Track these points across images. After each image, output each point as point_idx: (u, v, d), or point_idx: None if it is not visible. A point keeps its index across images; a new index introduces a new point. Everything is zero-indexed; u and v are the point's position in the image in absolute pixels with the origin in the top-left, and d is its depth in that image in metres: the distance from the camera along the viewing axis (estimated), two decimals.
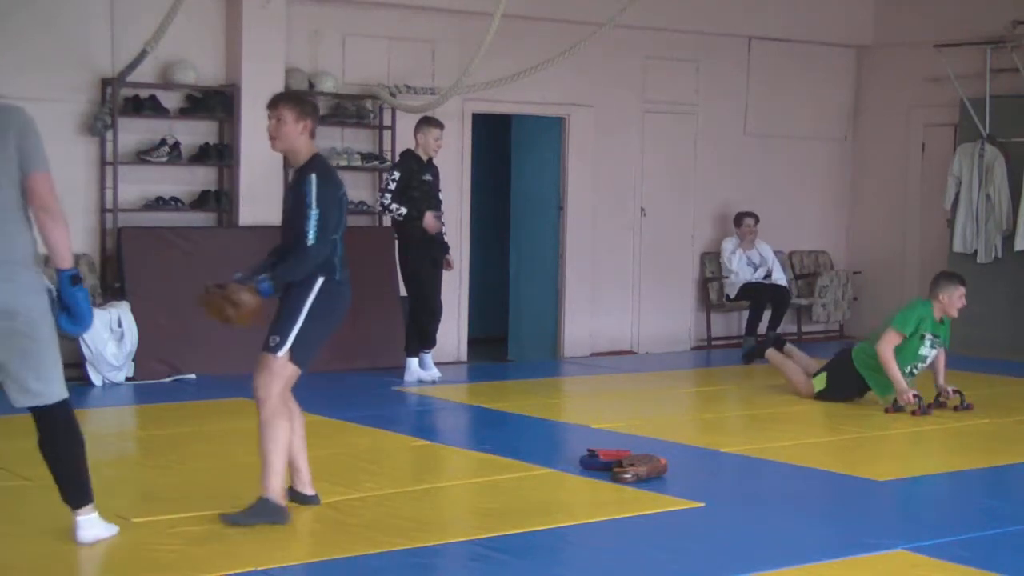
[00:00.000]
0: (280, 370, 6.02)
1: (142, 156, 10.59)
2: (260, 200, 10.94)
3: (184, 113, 10.83)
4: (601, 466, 7.21)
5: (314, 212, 5.98)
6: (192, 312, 10.36)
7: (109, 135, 10.39)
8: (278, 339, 6.02)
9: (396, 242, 10.72)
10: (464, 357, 12.27)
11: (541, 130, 12.88)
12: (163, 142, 10.63)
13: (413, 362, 10.61)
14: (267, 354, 6.04)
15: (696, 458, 7.89)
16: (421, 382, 10.54)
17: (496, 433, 8.73)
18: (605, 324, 13.11)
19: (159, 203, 10.69)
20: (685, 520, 6.36)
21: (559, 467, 7.40)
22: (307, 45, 11.39)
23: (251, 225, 10.88)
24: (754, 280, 13.25)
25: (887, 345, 9.36)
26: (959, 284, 9.49)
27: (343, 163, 11.12)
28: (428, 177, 10.45)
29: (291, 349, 6.01)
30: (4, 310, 5.22)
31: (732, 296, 13.37)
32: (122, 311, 10.13)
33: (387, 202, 10.28)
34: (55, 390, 5.40)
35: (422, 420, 9.42)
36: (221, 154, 10.91)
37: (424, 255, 10.45)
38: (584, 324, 12.93)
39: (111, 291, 10.41)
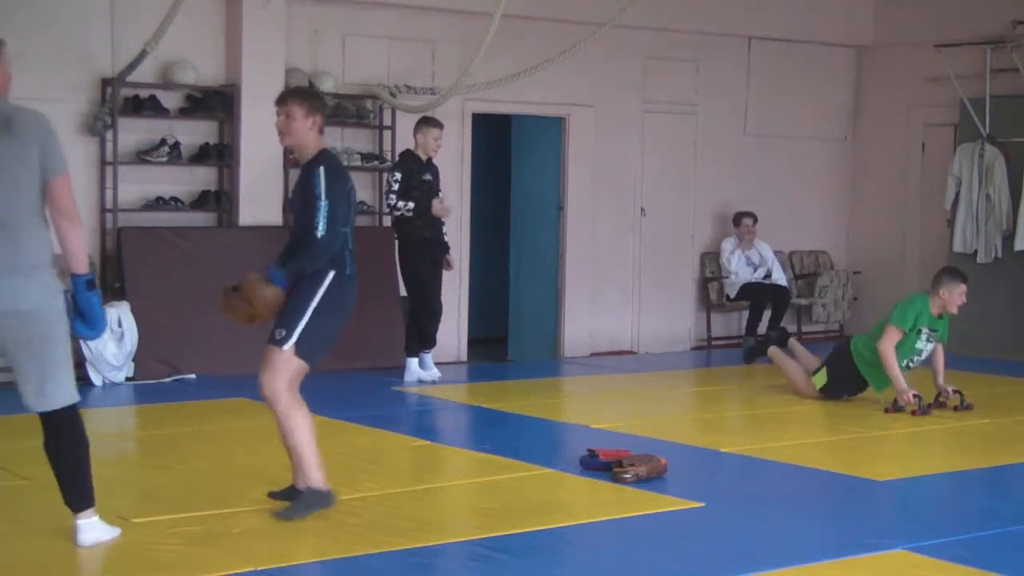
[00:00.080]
0: (284, 364, 6.00)
1: (142, 156, 10.59)
2: (260, 200, 10.94)
3: (184, 113, 10.83)
4: (601, 466, 7.21)
5: (323, 203, 5.97)
6: (192, 312, 10.50)
7: (109, 135, 10.40)
8: (284, 332, 6.00)
9: (396, 242, 10.72)
10: (464, 357, 12.27)
11: (541, 130, 12.88)
12: (163, 142, 10.64)
13: (413, 362, 10.61)
14: (272, 347, 6.02)
15: (696, 458, 7.89)
16: (421, 382, 10.54)
17: (496, 433, 8.72)
18: (605, 324, 13.11)
19: (159, 203, 10.69)
20: (685, 520, 6.36)
21: (559, 467, 7.40)
22: (307, 45, 11.39)
23: (251, 225, 10.88)
24: (754, 280, 13.26)
25: (889, 343, 9.35)
26: (961, 281, 9.48)
27: (343, 163, 11.11)
28: (428, 177, 10.45)
29: (297, 343, 5.99)
30: (25, 311, 5.25)
31: (732, 296, 13.38)
32: (122, 311, 10.13)
33: (393, 202, 10.28)
34: (68, 393, 5.42)
35: (422, 420, 9.42)
36: (221, 154, 10.91)
37: (424, 255, 10.45)
38: (584, 324, 12.93)
39: (111, 291, 10.40)
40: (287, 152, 11.02)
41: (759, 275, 13.30)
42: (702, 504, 6.63)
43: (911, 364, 9.56)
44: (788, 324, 13.62)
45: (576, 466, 7.33)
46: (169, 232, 10.64)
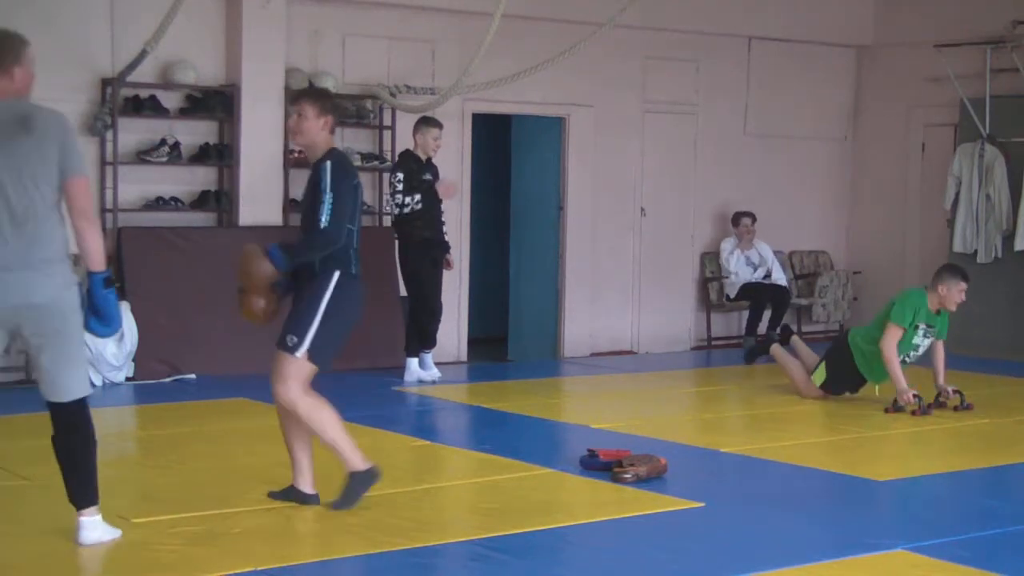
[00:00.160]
0: (297, 371, 6.07)
1: (142, 156, 10.59)
2: (260, 200, 10.94)
3: (184, 113, 10.83)
4: (601, 466, 7.21)
5: (328, 197, 6.04)
6: (192, 312, 10.51)
7: (109, 135, 10.39)
8: (296, 339, 6.05)
9: (396, 242, 10.73)
10: (464, 357, 12.27)
11: (541, 130, 12.88)
12: (163, 142, 10.64)
13: (413, 362, 10.61)
14: (284, 354, 6.06)
15: (696, 458, 7.89)
16: (421, 382, 10.55)
17: (496, 433, 8.72)
18: (605, 324, 13.11)
19: (159, 203, 10.69)
20: (685, 520, 6.36)
21: (559, 467, 7.40)
22: (307, 45, 11.39)
23: (251, 225, 10.88)
24: (754, 280, 13.26)
25: (890, 342, 9.35)
26: (960, 279, 9.47)
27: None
28: (428, 176, 10.45)
29: (309, 349, 6.04)
30: (39, 305, 5.31)
31: (732, 296, 13.38)
32: (122, 311, 10.11)
33: (400, 200, 10.27)
34: (81, 386, 5.47)
35: (422, 420, 9.42)
36: (221, 154, 10.91)
37: (424, 255, 10.45)
38: (584, 324, 12.93)
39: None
40: (287, 152, 11.04)
41: (759, 275, 13.30)
42: (702, 504, 6.63)
43: (907, 359, 9.56)
44: (788, 324, 13.62)
45: (576, 466, 7.33)
46: (169, 232, 10.64)
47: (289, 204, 11.02)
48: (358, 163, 11.39)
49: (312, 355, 6.06)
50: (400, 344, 10.80)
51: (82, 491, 5.51)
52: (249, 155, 10.90)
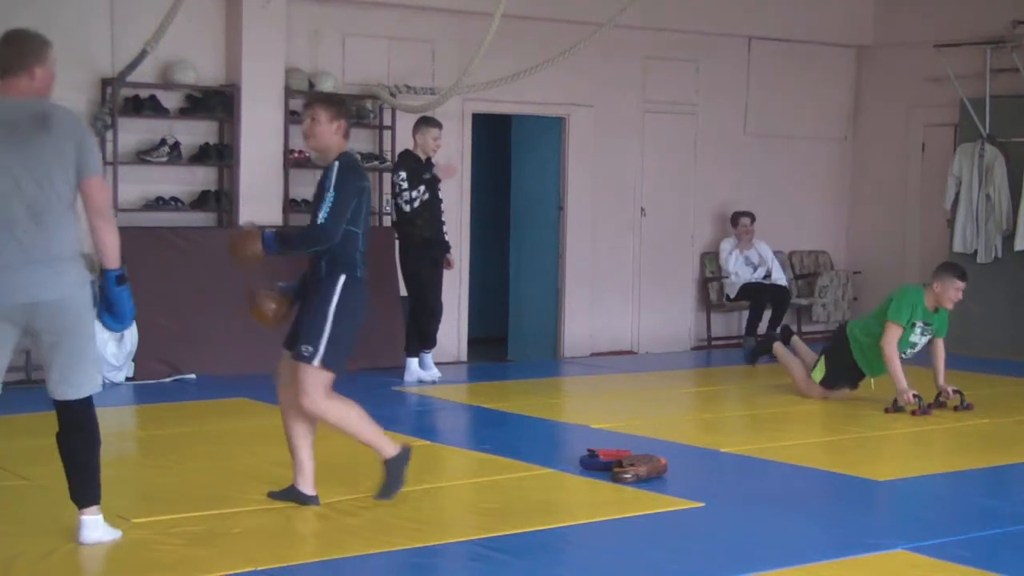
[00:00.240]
0: (317, 380, 6.15)
1: (142, 156, 10.59)
2: (260, 200, 10.93)
3: (184, 113, 10.83)
4: (601, 466, 7.21)
5: (330, 195, 6.09)
6: (192, 312, 10.50)
7: (109, 135, 10.38)
8: (310, 349, 6.12)
9: (396, 242, 10.73)
10: (464, 357, 12.27)
11: (541, 130, 12.89)
12: (163, 142, 10.64)
13: (413, 362, 10.61)
14: (303, 365, 6.14)
15: (696, 458, 7.89)
16: (421, 382, 10.55)
17: (496, 433, 8.72)
18: (605, 324, 13.11)
19: (159, 203, 10.69)
20: (685, 520, 6.36)
21: (559, 467, 7.40)
22: (307, 45, 11.39)
23: None
24: (754, 280, 13.26)
25: (891, 341, 9.35)
26: (956, 278, 9.46)
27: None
28: (428, 176, 10.45)
29: (324, 356, 6.11)
30: (51, 301, 5.34)
31: (732, 296, 13.38)
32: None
33: (408, 197, 10.25)
34: (91, 384, 5.50)
35: (422, 420, 9.42)
36: (221, 154, 10.91)
37: (424, 255, 10.45)
38: (584, 324, 12.93)
39: None
40: (287, 152, 11.04)
41: (759, 275, 13.30)
42: (702, 504, 6.63)
43: (904, 356, 9.56)
44: (788, 324, 13.63)
45: (576, 466, 7.33)
46: (169, 232, 10.64)
47: (289, 204, 11.03)
48: None
49: (326, 360, 6.11)
50: (400, 344, 10.80)
51: (84, 490, 5.52)
52: (249, 155, 10.90)
